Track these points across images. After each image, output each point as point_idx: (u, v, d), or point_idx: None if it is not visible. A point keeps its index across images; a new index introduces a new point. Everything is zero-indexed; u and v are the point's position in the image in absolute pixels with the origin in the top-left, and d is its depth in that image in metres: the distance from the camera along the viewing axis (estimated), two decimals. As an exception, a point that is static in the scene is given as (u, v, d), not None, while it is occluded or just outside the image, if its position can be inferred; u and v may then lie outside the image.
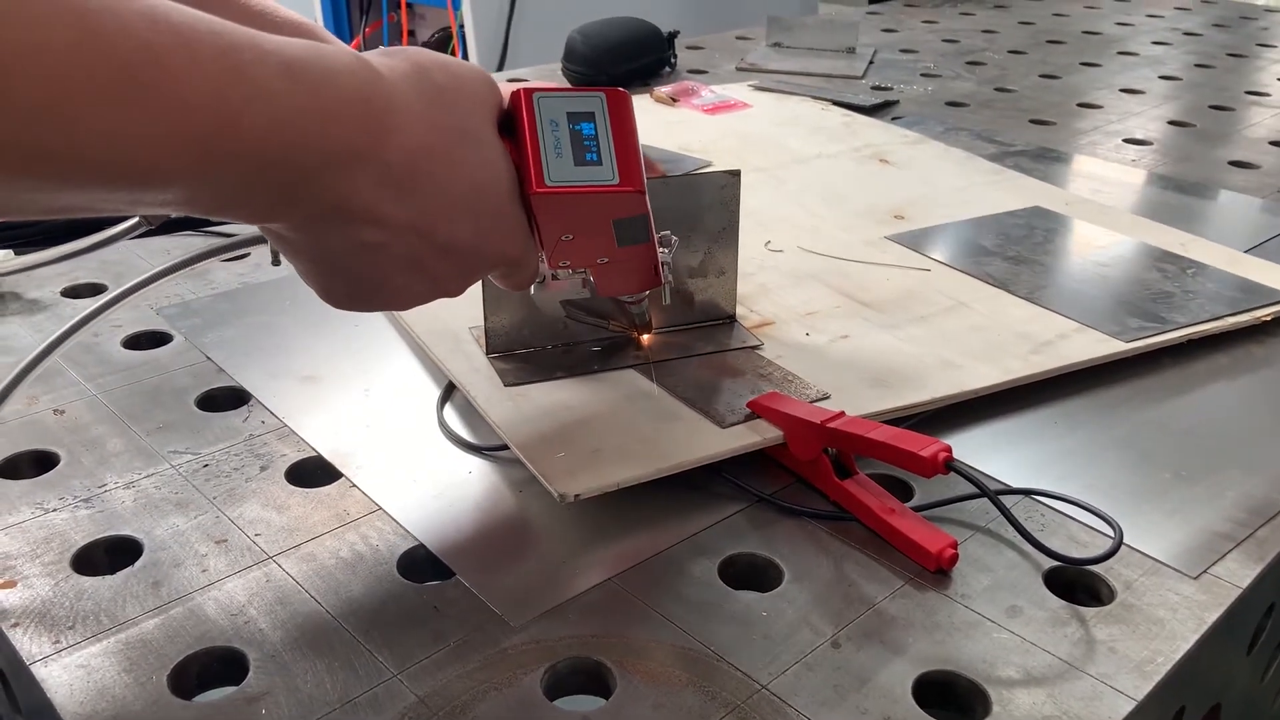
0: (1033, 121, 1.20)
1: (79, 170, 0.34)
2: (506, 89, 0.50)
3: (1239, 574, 0.52)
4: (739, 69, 1.35)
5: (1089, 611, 0.49)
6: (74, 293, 0.76)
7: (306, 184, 0.40)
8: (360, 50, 0.44)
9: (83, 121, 0.33)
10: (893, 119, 1.18)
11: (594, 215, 0.50)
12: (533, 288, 0.54)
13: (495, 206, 0.47)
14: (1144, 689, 0.45)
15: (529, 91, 0.48)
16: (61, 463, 0.58)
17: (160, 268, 0.54)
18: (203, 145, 0.36)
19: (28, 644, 0.46)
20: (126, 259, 0.80)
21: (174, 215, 0.41)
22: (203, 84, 0.35)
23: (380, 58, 0.44)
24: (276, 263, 0.50)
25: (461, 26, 2.15)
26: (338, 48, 0.42)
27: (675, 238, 0.56)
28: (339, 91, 0.40)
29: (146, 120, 0.34)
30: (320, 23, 2.64)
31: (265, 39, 0.38)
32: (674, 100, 1.19)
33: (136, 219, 0.55)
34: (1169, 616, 0.49)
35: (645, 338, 0.66)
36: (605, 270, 0.53)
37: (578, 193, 0.48)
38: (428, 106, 0.44)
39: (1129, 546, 0.53)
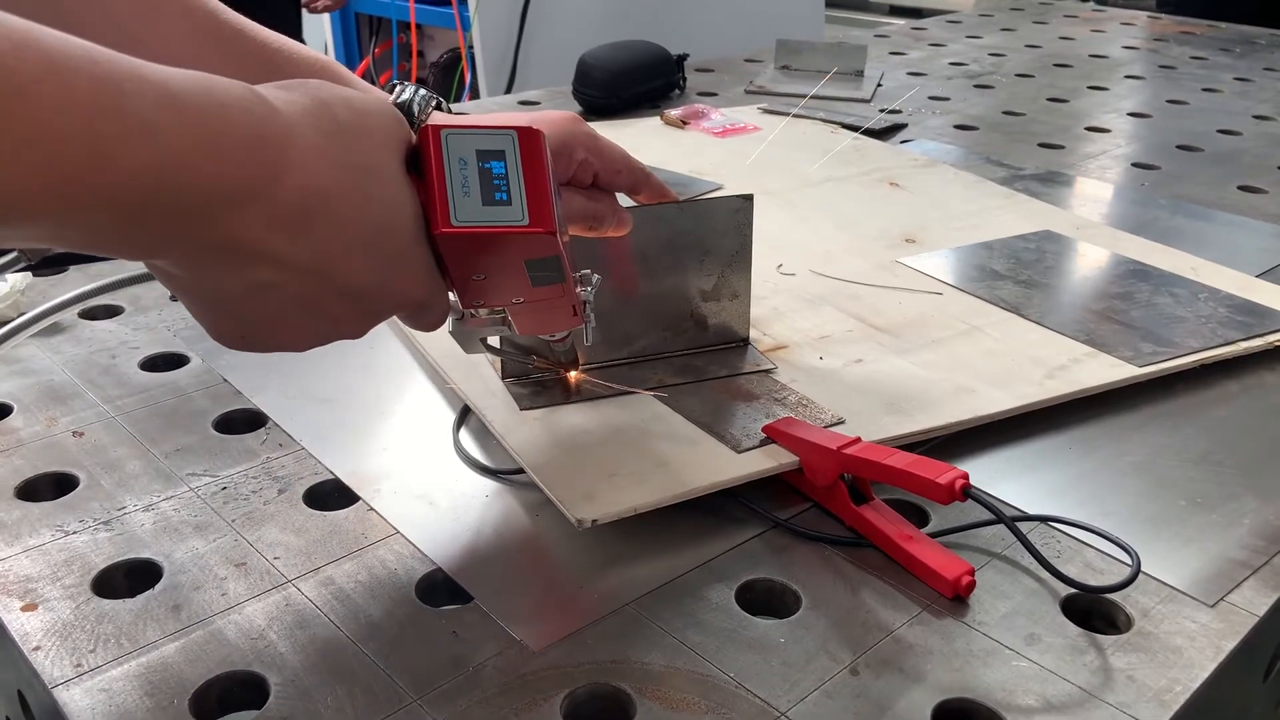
0: (1041, 145, 1.20)
1: None
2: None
3: (1255, 602, 0.52)
4: (748, 92, 1.36)
5: (1107, 639, 0.49)
6: (90, 315, 0.76)
7: (191, 222, 0.39)
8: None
9: None
10: (901, 142, 1.19)
11: (504, 256, 0.48)
12: (452, 325, 0.52)
13: (399, 247, 0.45)
14: (1163, 718, 0.45)
15: (436, 128, 0.46)
16: (81, 485, 0.58)
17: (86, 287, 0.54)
18: (72, 180, 0.34)
19: (49, 667, 0.46)
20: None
21: (58, 250, 0.40)
22: (73, 116, 0.33)
23: (278, 92, 0.42)
24: (175, 297, 0.48)
25: (471, 48, 2.17)
26: (232, 81, 0.40)
27: (597, 276, 0.54)
28: (228, 126, 0.38)
29: (7, 154, 0.32)
30: (330, 44, 2.66)
31: (148, 69, 0.36)
32: (684, 123, 1.19)
33: (15, 253, 0.53)
34: (1186, 645, 0.49)
35: (573, 375, 0.65)
36: (522, 310, 0.52)
37: (485, 233, 0.46)
38: (328, 143, 0.42)
39: (1145, 574, 0.53)
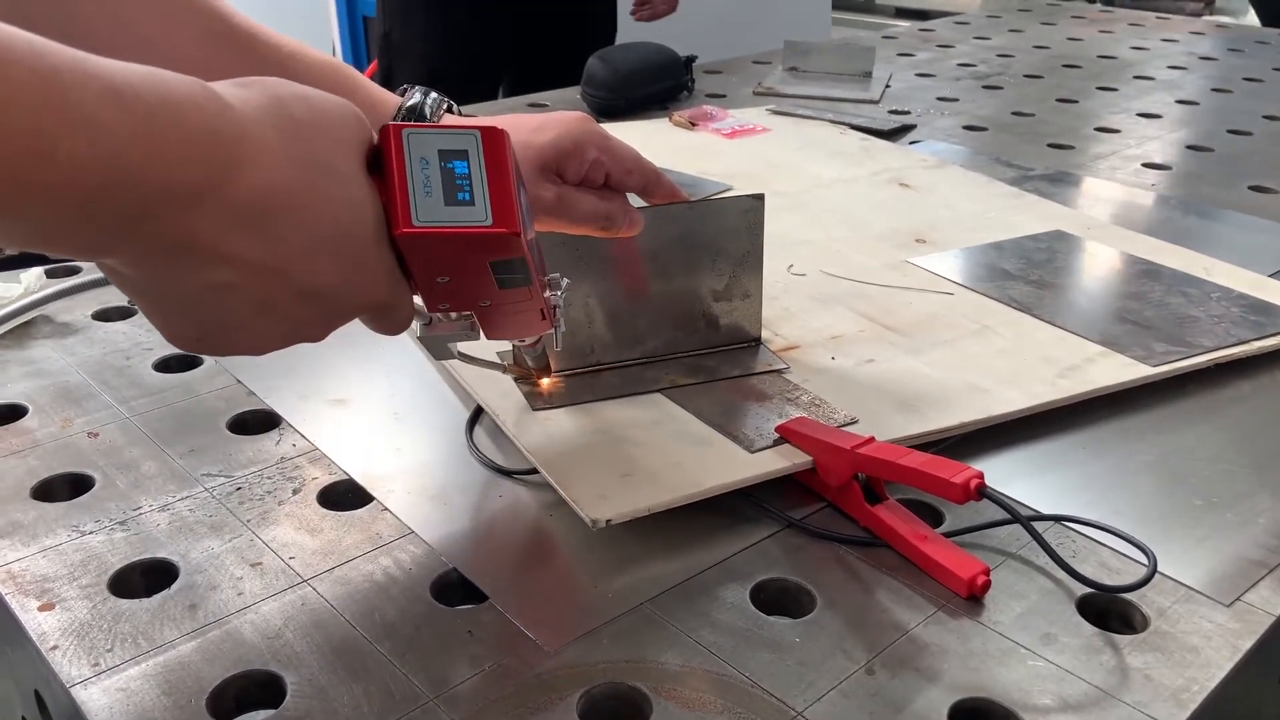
0: (1051, 145, 1.20)
1: None
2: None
3: (1272, 601, 0.52)
4: (756, 93, 1.36)
5: (1123, 639, 0.49)
6: (104, 315, 0.76)
7: (141, 219, 0.37)
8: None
9: None
10: (910, 143, 1.19)
11: (467, 257, 0.46)
12: (419, 330, 0.51)
13: (359, 248, 0.44)
14: (1180, 717, 0.45)
15: (398, 128, 0.45)
16: (96, 485, 0.58)
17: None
18: (14, 175, 0.33)
19: (67, 666, 0.46)
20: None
21: (9, 251, 0.38)
22: (12, 109, 0.32)
23: (234, 89, 0.41)
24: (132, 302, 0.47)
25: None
26: (185, 77, 0.38)
27: (566, 280, 0.53)
28: (178, 122, 0.37)
29: None
30: (337, 47, 2.66)
31: (94, 62, 0.35)
32: (692, 124, 1.20)
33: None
34: (1203, 644, 0.49)
35: (545, 381, 0.64)
36: (490, 314, 0.51)
37: (446, 234, 0.45)
38: (285, 141, 0.41)
39: (1161, 573, 0.52)
